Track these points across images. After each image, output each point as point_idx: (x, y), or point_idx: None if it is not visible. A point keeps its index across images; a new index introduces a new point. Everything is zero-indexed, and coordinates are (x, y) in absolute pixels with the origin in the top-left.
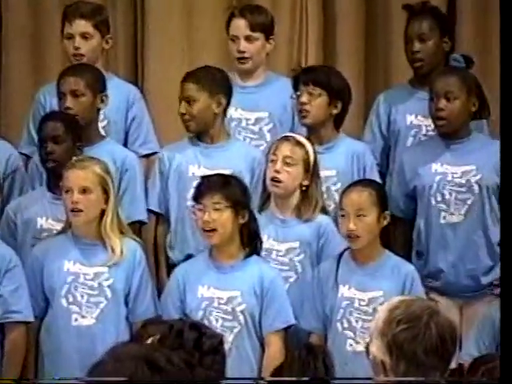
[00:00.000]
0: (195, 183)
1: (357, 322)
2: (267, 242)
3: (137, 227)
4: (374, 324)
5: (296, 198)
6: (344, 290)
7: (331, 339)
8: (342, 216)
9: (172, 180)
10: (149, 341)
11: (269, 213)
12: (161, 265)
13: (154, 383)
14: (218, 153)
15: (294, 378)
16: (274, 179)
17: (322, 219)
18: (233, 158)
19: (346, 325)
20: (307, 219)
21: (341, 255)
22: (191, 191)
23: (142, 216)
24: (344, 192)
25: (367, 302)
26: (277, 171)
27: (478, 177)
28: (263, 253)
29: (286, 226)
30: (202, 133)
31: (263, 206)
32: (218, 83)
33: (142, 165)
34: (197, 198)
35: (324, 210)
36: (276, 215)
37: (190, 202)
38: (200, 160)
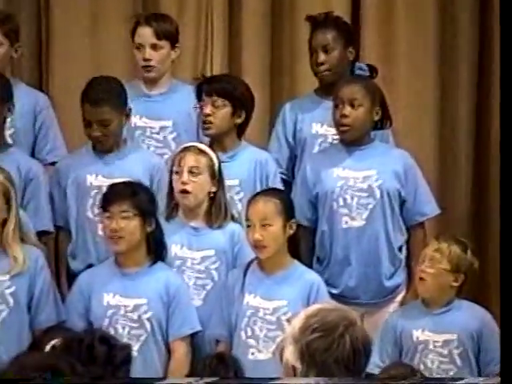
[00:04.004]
0: (93, 193)
1: (260, 330)
2: (181, 251)
3: (41, 238)
4: (290, 329)
5: (205, 205)
6: (249, 299)
7: (235, 347)
8: (248, 226)
9: (70, 191)
10: (48, 346)
11: (178, 221)
12: (61, 274)
13: None
14: (114, 161)
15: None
16: (182, 191)
17: (234, 227)
18: (130, 165)
19: (249, 333)
20: (219, 226)
21: (249, 264)
22: (90, 201)
23: (47, 226)
24: (249, 202)
25: (272, 312)
26: (184, 183)
27: (379, 182)
28: (178, 261)
29: (199, 235)
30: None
31: (171, 215)
32: (125, 95)
33: (48, 173)
34: (104, 205)
35: (233, 218)
36: (186, 223)
37: (89, 213)
38: (97, 169)
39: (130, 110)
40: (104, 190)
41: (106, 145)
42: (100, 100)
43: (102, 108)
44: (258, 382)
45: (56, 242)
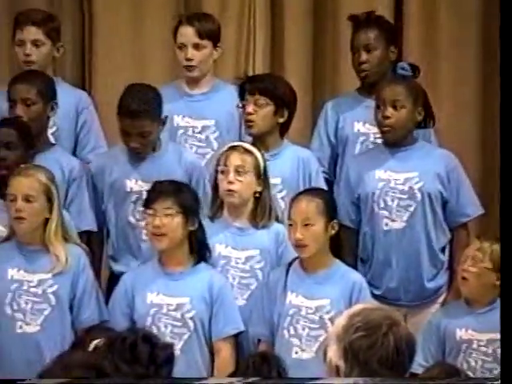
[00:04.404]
0: (134, 198)
1: (303, 329)
2: (225, 250)
3: (84, 237)
4: (333, 328)
5: (250, 205)
6: (292, 298)
7: (278, 346)
8: (290, 225)
9: (108, 195)
10: (91, 346)
11: (222, 221)
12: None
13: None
14: (152, 164)
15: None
16: (228, 190)
17: (279, 227)
18: (167, 166)
19: (292, 332)
20: (263, 226)
21: (291, 263)
22: (131, 206)
23: (90, 226)
24: (292, 201)
25: (314, 310)
26: (230, 182)
27: (420, 184)
28: (222, 261)
29: (243, 234)
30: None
31: (216, 215)
32: (160, 105)
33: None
34: (148, 203)
35: (277, 219)
36: (231, 223)
37: (131, 217)
38: (136, 174)
39: (166, 117)
40: (144, 194)
41: (143, 153)
42: (139, 113)
43: (142, 121)
44: (299, 382)
45: (89, 244)
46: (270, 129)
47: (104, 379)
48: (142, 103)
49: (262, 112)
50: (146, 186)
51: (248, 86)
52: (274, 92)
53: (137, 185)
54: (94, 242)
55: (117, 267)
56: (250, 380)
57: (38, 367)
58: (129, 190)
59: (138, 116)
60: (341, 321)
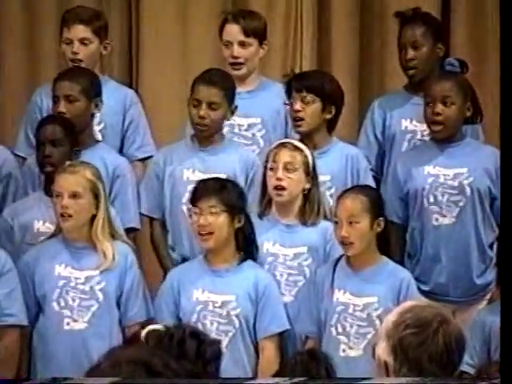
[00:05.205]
0: (190, 187)
1: (351, 327)
2: (273, 247)
3: (129, 234)
4: (383, 325)
5: (299, 202)
6: (339, 295)
7: (325, 344)
8: (336, 223)
9: (167, 184)
10: (143, 333)
11: (271, 218)
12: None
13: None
14: (212, 157)
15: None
16: (277, 187)
17: (327, 224)
18: (227, 161)
19: (340, 330)
20: (312, 223)
21: (338, 260)
22: (186, 195)
23: (134, 223)
24: (338, 199)
25: (362, 308)
26: (279, 179)
27: (469, 179)
28: (270, 258)
29: (291, 232)
30: (202, 137)
31: (264, 212)
32: (232, 88)
33: (138, 168)
34: (193, 201)
35: (325, 216)
36: (279, 220)
37: (185, 206)
38: (195, 164)
39: (236, 107)
40: None
41: (206, 131)
42: (215, 82)
43: (216, 89)
44: (347, 382)
45: (151, 233)
46: (318, 126)
47: (153, 379)
48: (218, 76)
49: (310, 109)
50: (203, 177)
51: (295, 84)
52: (320, 89)
53: (194, 175)
54: (156, 230)
55: (174, 256)
56: (296, 380)
57: (85, 364)
58: (185, 179)
59: (213, 84)
60: (391, 317)
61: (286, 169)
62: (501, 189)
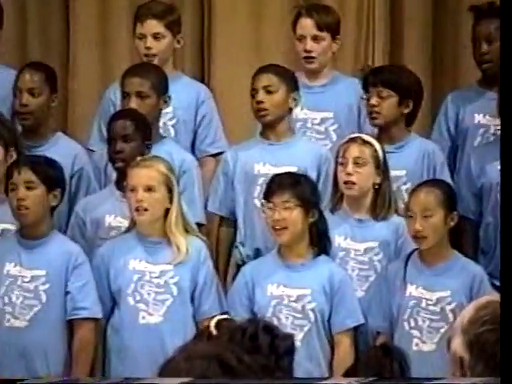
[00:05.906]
0: (261, 180)
1: (423, 321)
2: (344, 242)
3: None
4: (458, 320)
5: (370, 197)
6: (412, 290)
7: (397, 338)
8: (410, 217)
9: (238, 179)
10: (212, 323)
11: (342, 213)
12: (220, 263)
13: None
14: (283, 150)
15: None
16: (347, 182)
17: (399, 220)
18: (298, 155)
19: (412, 324)
20: (383, 218)
21: (409, 255)
22: (258, 189)
23: (199, 218)
24: (411, 192)
25: (434, 302)
26: (349, 174)
27: None
28: (341, 252)
29: (363, 226)
30: (269, 129)
31: (336, 207)
32: (294, 80)
33: (210, 164)
34: (267, 196)
35: (397, 211)
36: (351, 215)
37: (257, 200)
38: (265, 158)
39: (300, 97)
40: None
41: (265, 117)
42: (271, 68)
43: (270, 74)
44: (418, 382)
45: (218, 232)
46: (395, 120)
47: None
48: (276, 65)
49: (386, 104)
50: (274, 171)
51: (371, 78)
52: (396, 83)
53: (265, 168)
54: (223, 229)
55: (244, 251)
56: (366, 381)
57: (160, 359)
58: (256, 172)
59: (268, 70)
60: (466, 313)
61: (355, 163)
62: (501, 189)
